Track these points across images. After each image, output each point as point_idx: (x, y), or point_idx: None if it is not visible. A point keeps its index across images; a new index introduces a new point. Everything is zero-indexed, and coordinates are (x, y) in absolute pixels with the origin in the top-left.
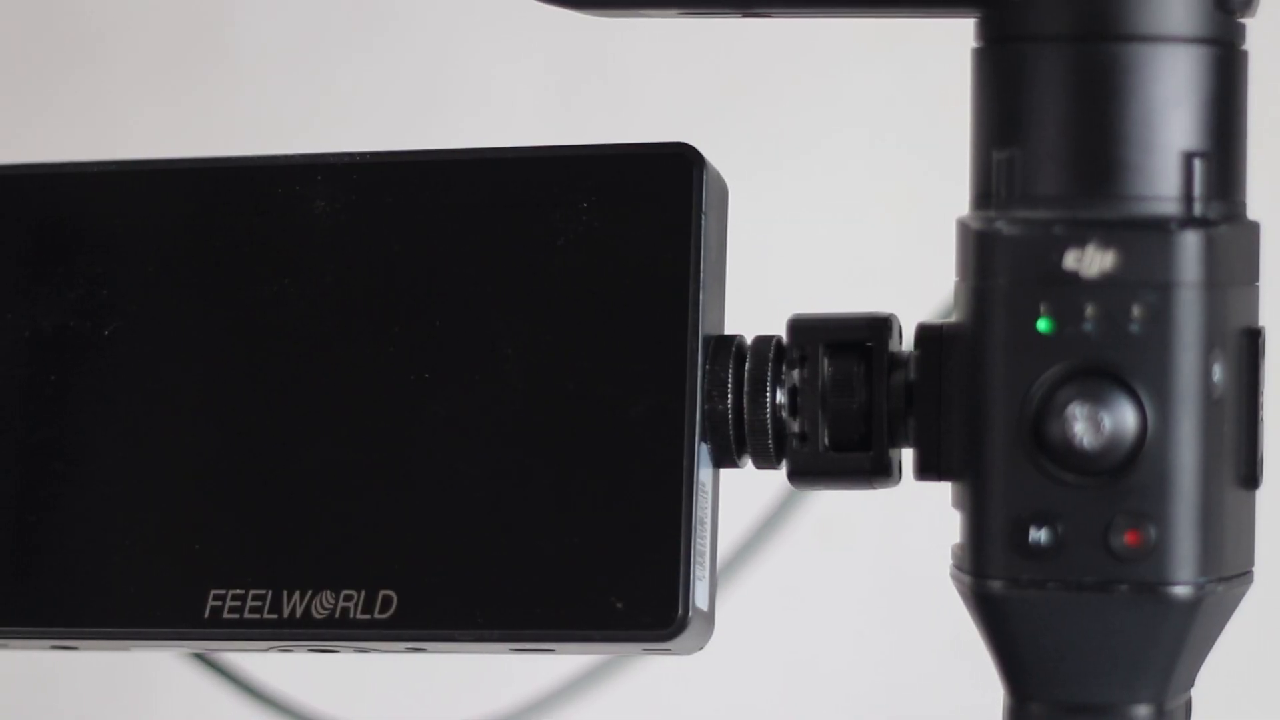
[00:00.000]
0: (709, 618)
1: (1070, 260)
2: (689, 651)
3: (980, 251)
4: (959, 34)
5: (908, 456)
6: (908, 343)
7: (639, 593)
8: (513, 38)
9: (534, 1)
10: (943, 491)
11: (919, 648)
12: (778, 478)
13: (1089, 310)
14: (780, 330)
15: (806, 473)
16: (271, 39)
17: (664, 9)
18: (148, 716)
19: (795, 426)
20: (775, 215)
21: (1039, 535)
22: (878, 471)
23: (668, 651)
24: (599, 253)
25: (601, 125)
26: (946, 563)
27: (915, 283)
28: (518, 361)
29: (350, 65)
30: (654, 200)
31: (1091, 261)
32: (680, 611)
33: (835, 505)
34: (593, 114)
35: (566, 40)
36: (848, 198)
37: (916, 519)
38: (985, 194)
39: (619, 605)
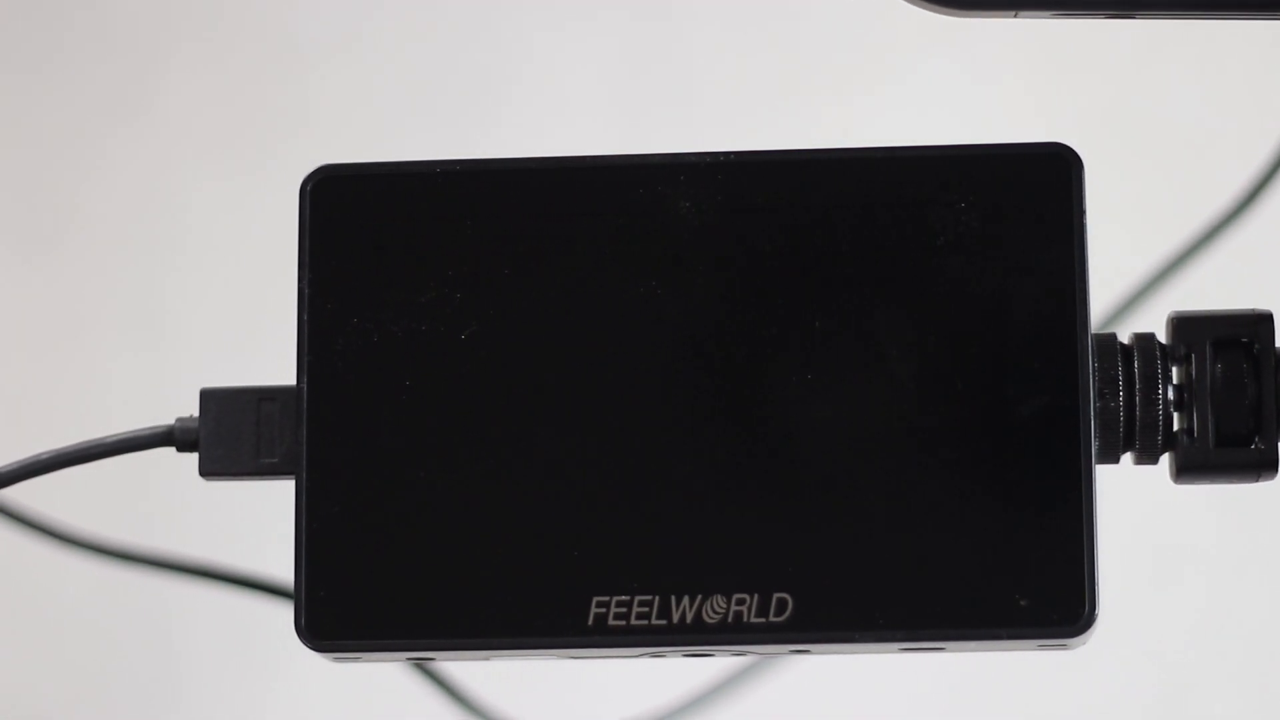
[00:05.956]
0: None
1: None
2: (1077, 647)
3: None
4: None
5: None
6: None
7: (1046, 590)
8: (577, 24)
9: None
10: None
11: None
12: None
13: None
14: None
15: (1196, 468)
16: (330, 29)
17: (1037, 10)
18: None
19: (1181, 422)
20: None
21: None
22: (1266, 466)
23: (1063, 648)
24: (980, 252)
25: (668, 114)
26: None
27: None
28: (903, 362)
29: (405, 57)
30: (1035, 200)
31: None
32: (1088, 608)
33: None
34: (660, 103)
35: (632, 28)
36: None
37: None
38: None
39: (1023, 603)
